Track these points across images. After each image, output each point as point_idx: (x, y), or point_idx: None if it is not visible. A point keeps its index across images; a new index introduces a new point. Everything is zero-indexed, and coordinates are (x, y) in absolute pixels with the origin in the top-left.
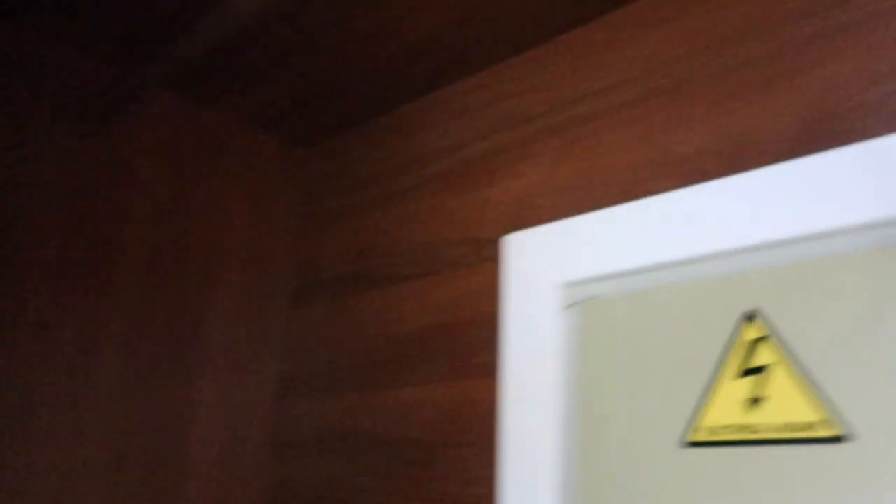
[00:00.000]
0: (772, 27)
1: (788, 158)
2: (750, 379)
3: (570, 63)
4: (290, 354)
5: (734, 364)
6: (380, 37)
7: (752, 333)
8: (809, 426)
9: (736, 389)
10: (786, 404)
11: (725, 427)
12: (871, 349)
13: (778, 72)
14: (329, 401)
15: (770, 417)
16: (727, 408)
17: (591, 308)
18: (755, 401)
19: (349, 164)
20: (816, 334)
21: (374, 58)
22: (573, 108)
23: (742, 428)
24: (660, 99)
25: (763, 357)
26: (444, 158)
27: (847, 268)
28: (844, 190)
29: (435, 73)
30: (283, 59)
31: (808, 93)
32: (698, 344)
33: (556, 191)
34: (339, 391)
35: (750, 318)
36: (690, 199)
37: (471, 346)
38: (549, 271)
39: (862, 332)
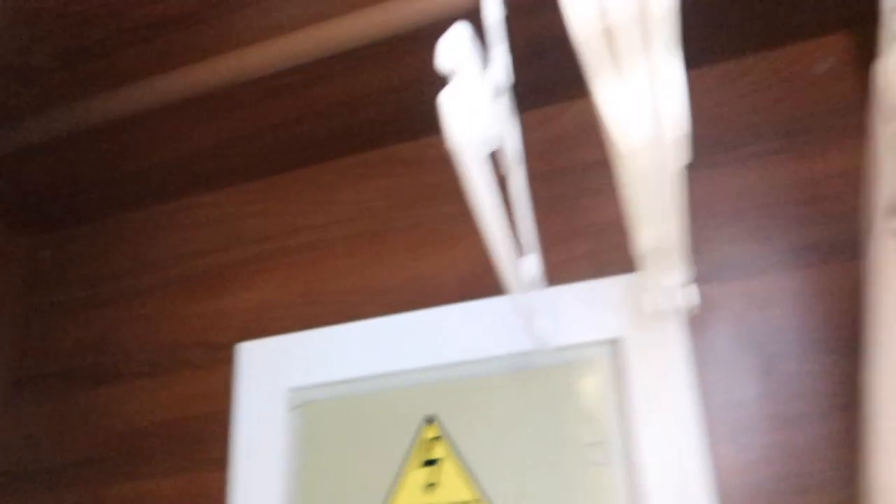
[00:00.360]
0: (447, 198)
1: (459, 300)
2: (428, 468)
3: (301, 195)
4: (7, 450)
5: (417, 457)
6: (125, 145)
7: (430, 433)
8: None
9: (418, 476)
10: (452, 488)
11: None
12: (507, 447)
13: (452, 232)
14: (48, 498)
15: (441, 498)
16: (411, 491)
17: (313, 410)
18: (431, 485)
19: (82, 258)
20: (473, 435)
21: (118, 160)
22: (301, 236)
23: None
24: (369, 238)
25: (437, 452)
26: (181, 264)
27: (494, 386)
28: (492, 328)
29: (179, 184)
30: (16, 151)
31: (470, 253)
32: (393, 440)
33: (285, 306)
34: (61, 487)
35: (430, 421)
36: (390, 325)
37: (202, 441)
38: (277, 377)
39: (502, 435)
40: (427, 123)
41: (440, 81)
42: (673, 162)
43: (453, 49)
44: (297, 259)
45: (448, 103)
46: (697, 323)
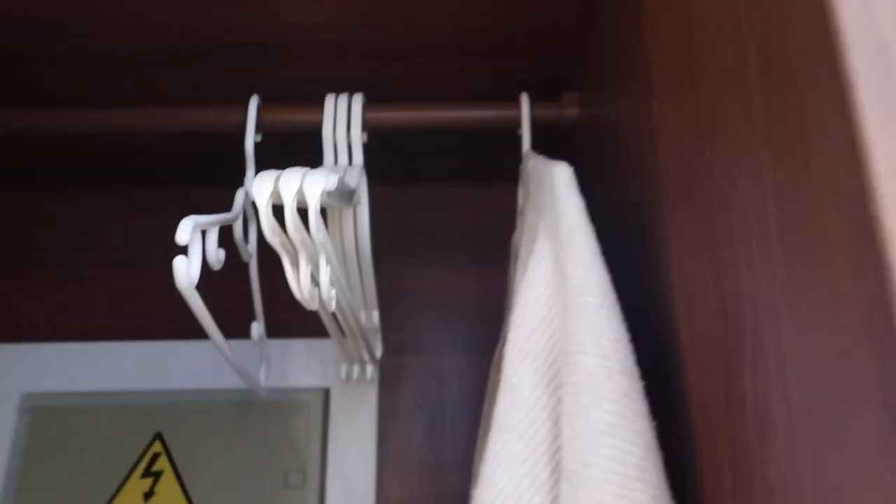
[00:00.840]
0: None
1: (201, 338)
2: (149, 479)
3: (79, 216)
4: None
5: (141, 467)
6: None
7: (156, 448)
8: None
9: (139, 485)
10: (168, 498)
11: None
12: (222, 467)
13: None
14: None
15: None
16: (131, 497)
17: (46, 415)
18: (149, 494)
19: None
20: (194, 454)
21: None
22: (68, 252)
23: None
24: (128, 268)
25: (160, 465)
26: None
27: (219, 414)
28: (226, 365)
29: None
30: None
31: (220, 298)
32: (121, 451)
33: (38, 316)
34: None
35: (157, 437)
36: (135, 349)
37: None
38: (14, 381)
39: (219, 456)
40: (214, 177)
41: (229, 144)
42: (333, 305)
43: (183, 235)
44: (56, 274)
45: (178, 265)
46: (389, 384)
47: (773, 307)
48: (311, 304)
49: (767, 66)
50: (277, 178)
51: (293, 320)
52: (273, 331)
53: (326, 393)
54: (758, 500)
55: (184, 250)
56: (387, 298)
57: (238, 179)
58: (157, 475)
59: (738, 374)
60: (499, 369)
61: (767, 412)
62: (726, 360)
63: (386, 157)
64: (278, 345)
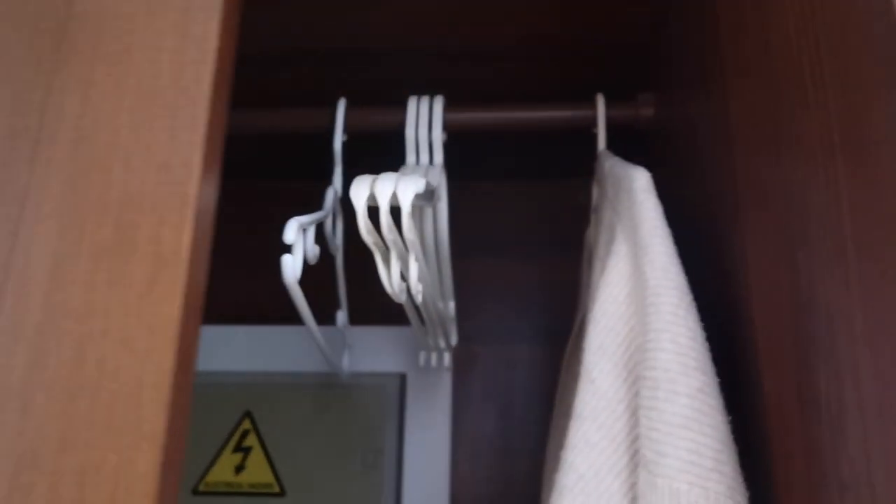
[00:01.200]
0: None
1: (289, 324)
2: (239, 454)
3: None
4: None
5: (233, 443)
6: None
7: (246, 425)
8: (267, 486)
9: (231, 459)
10: (257, 472)
11: (219, 482)
12: (305, 445)
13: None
14: None
15: (247, 479)
16: (223, 470)
17: None
18: (240, 468)
19: None
20: (280, 432)
21: None
22: None
23: (229, 484)
24: (215, 254)
25: (249, 441)
26: None
27: (303, 395)
28: (310, 349)
29: None
30: None
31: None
32: (218, 426)
33: None
34: None
35: (246, 415)
36: (230, 333)
37: None
38: None
39: (302, 435)
40: (285, 170)
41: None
42: (419, 299)
43: (289, 234)
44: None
45: (285, 262)
46: (461, 371)
47: (847, 312)
48: (400, 298)
49: (846, 89)
50: (373, 182)
51: (371, 308)
52: (353, 318)
53: (403, 378)
54: (831, 495)
55: (287, 248)
56: (457, 289)
57: (313, 173)
58: (247, 451)
59: (812, 375)
60: (572, 361)
61: (841, 412)
62: (801, 360)
63: (455, 155)
64: (358, 331)
